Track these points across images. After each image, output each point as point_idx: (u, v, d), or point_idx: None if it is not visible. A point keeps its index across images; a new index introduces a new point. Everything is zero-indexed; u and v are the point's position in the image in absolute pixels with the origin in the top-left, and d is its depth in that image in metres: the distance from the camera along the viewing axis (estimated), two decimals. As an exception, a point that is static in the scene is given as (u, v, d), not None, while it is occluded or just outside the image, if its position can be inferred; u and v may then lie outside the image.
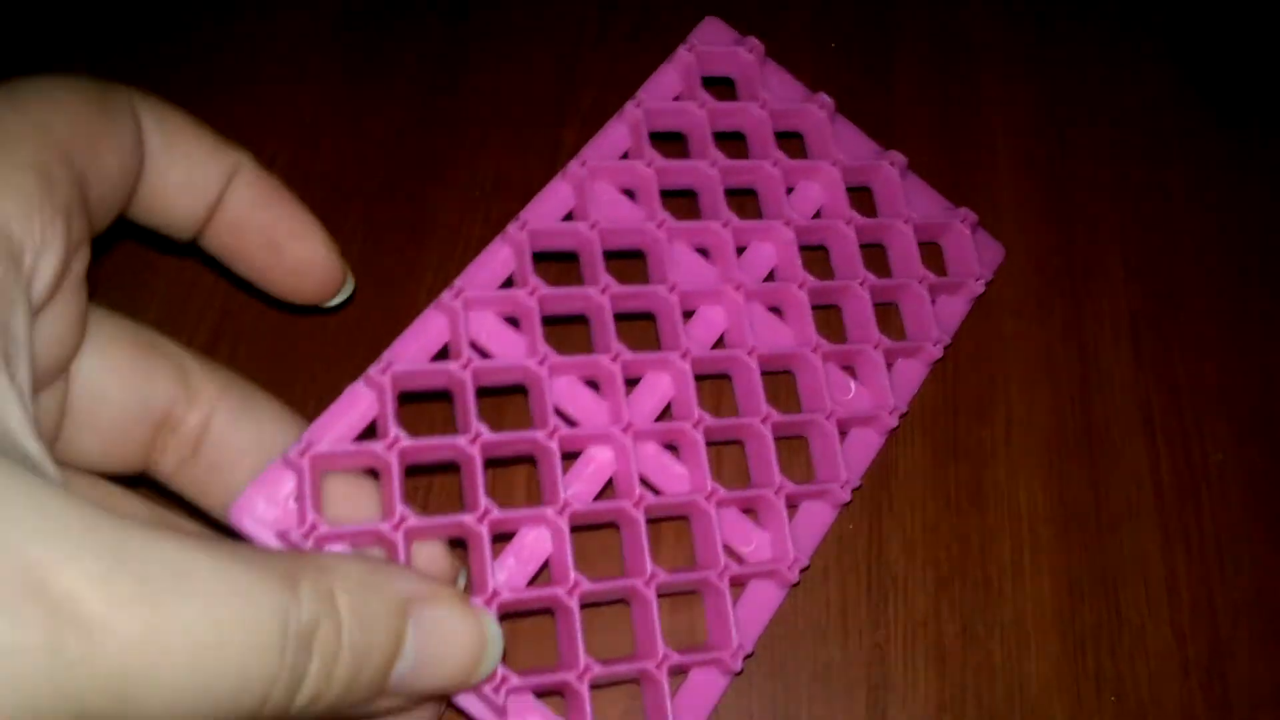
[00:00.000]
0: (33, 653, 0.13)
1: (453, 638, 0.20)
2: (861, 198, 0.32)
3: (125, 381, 0.22)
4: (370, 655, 0.18)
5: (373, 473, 0.24)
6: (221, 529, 0.24)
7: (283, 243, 0.25)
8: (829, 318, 0.31)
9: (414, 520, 0.23)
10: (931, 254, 0.32)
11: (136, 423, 0.22)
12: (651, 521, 0.27)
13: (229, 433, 0.23)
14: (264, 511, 0.23)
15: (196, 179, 0.23)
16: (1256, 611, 0.28)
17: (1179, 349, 0.32)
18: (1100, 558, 0.29)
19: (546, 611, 0.25)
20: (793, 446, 0.29)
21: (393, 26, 0.35)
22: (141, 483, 0.24)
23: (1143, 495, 0.30)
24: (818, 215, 0.31)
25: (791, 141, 0.32)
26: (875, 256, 0.31)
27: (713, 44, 0.31)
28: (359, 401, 0.25)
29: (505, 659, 0.26)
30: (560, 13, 0.36)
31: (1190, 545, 0.29)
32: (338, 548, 0.23)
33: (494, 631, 0.21)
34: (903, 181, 0.31)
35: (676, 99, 0.30)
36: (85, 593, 0.14)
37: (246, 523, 0.23)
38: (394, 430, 0.24)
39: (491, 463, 0.27)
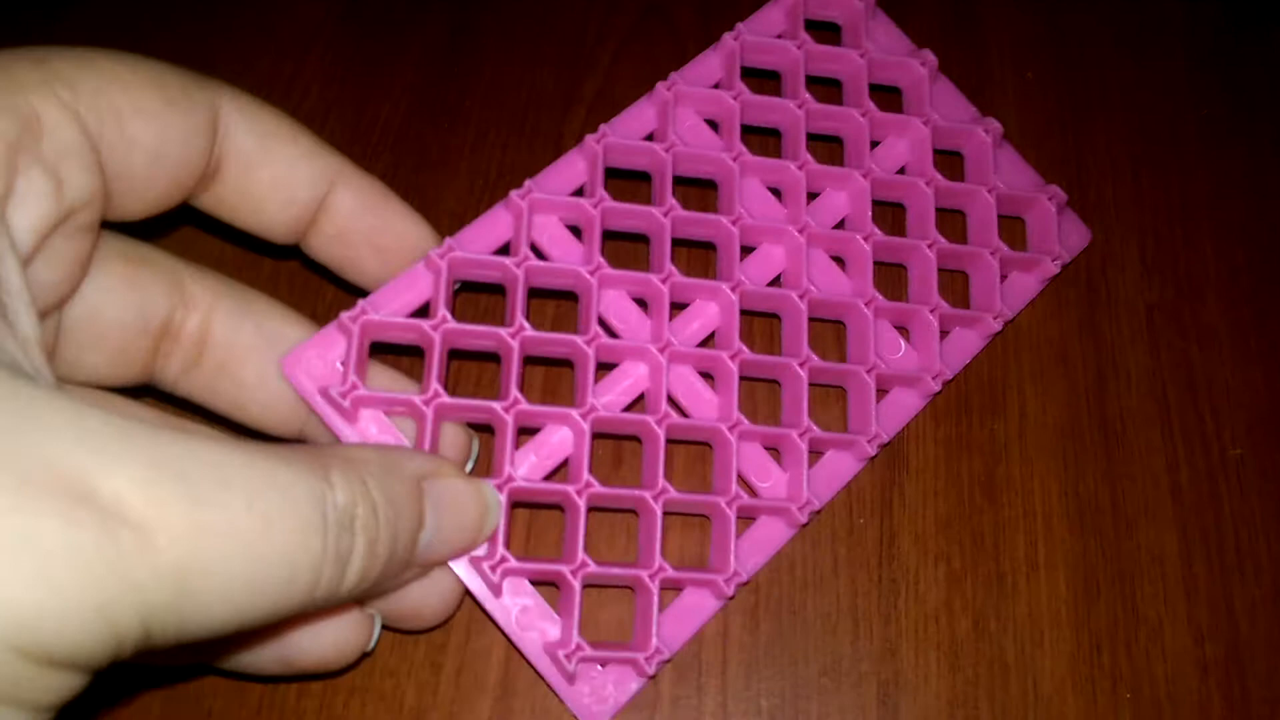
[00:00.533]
0: (92, 550, 0.14)
1: (461, 505, 0.22)
2: (954, 163, 0.31)
3: (121, 298, 0.22)
4: (402, 531, 0.20)
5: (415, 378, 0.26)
6: (230, 428, 0.25)
7: (392, 247, 0.25)
8: (896, 276, 0.30)
9: (446, 398, 0.24)
10: (1017, 229, 0.31)
11: (136, 336, 0.23)
12: (676, 443, 0.28)
13: (231, 333, 0.24)
14: (312, 366, 0.25)
15: (290, 180, 0.24)
16: (1276, 609, 0.28)
17: (1197, 343, 0.31)
18: (1116, 554, 0.28)
19: (558, 508, 0.26)
20: (835, 397, 0.29)
21: (396, 14, 0.35)
22: (146, 392, 0.24)
23: (1160, 491, 0.29)
24: (902, 172, 0.30)
25: (891, 96, 0.31)
26: (958, 223, 0.31)
27: (821, -14, 0.31)
28: (417, 283, 0.26)
29: (512, 548, 0.27)
30: (565, 2, 0.35)
31: (1209, 542, 0.28)
32: (371, 412, 0.25)
33: (492, 495, 0.23)
34: (996, 151, 0.30)
35: (779, 38, 0.30)
36: (130, 496, 0.15)
37: (296, 375, 0.24)
38: (443, 311, 0.25)
39: (534, 362, 0.28)
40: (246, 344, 0.24)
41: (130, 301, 0.22)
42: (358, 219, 0.25)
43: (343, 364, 0.25)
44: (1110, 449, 0.29)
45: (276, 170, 0.24)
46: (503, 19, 0.35)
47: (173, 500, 0.15)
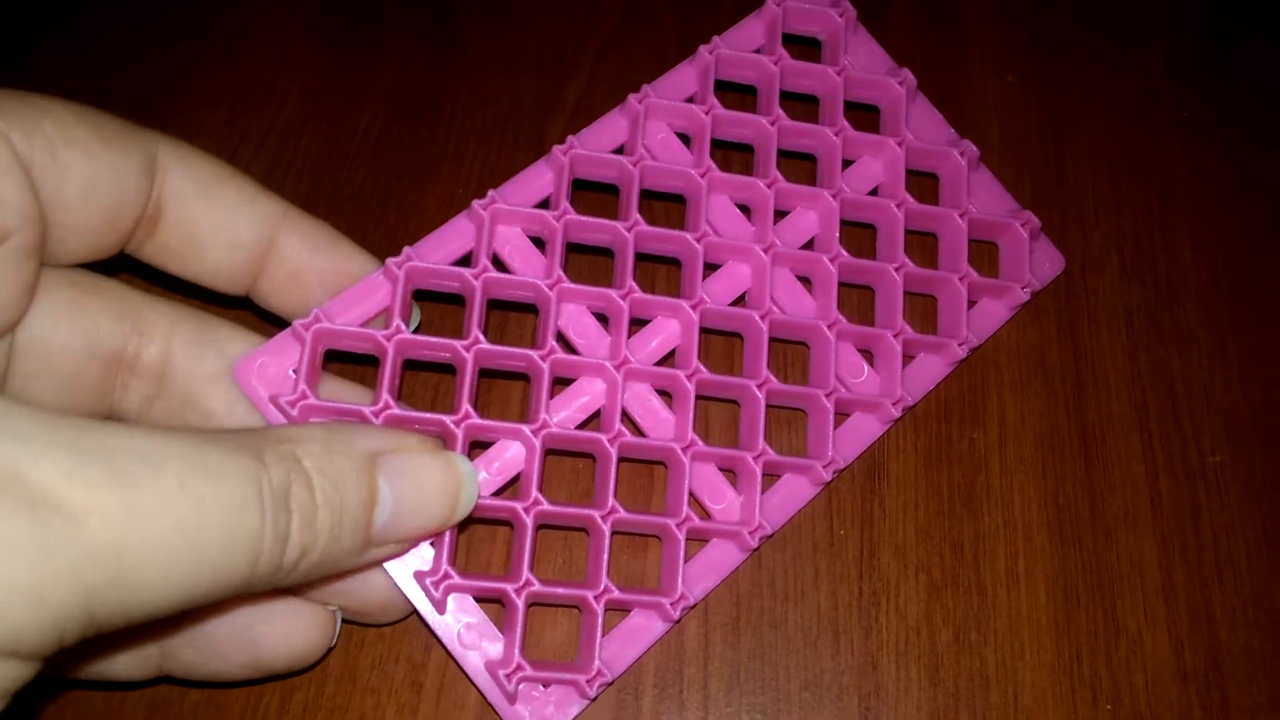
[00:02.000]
0: (23, 536, 0.14)
1: (426, 481, 0.21)
2: (930, 184, 0.31)
3: (67, 324, 0.22)
4: (347, 507, 0.19)
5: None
6: None
7: (343, 284, 0.25)
8: (864, 298, 0.30)
9: (396, 410, 0.24)
10: (991, 253, 0.31)
11: (84, 364, 0.23)
12: (629, 461, 0.28)
13: (192, 360, 0.24)
14: (265, 372, 0.24)
15: (232, 224, 0.24)
16: (1255, 617, 0.27)
17: (1176, 349, 0.31)
18: (1096, 563, 0.28)
19: (508, 524, 0.26)
20: (796, 419, 0.29)
21: (377, 19, 0.35)
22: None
23: (1139, 499, 0.29)
24: (874, 193, 0.30)
25: (870, 114, 0.31)
26: (930, 246, 0.31)
27: (804, 1, 0.30)
28: (375, 291, 0.26)
29: (464, 565, 0.27)
30: (546, 7, 0.35)
31: (1188, 550, 0.28)
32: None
33: (466, 469, 0.22)
34: (972, 173, 0.30)
35: (758, 52, 0.30)
36: (58, 483, 0.15)
37: (248, 381, 0.24)
38: (396, 321, 0.25)
39: (507, 376, 0.28)
40: (209, 372, 0.24)
41: (76, 327, 0.23)
42: (308, 260, 0.25)
43: (295, 372, 0.24)
44: (1089, 457, 0.29)
45: (217, 214, 0.23)
46: (483, 25, 0.34)
47: (102, 483, 0.15)
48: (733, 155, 0.31)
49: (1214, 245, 0.32)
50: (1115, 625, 0.27)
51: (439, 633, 0.24)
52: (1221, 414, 0.30)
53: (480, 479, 0.26)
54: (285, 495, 0.18)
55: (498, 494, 0.26)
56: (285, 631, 0.23)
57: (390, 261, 0.25)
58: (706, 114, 0.28)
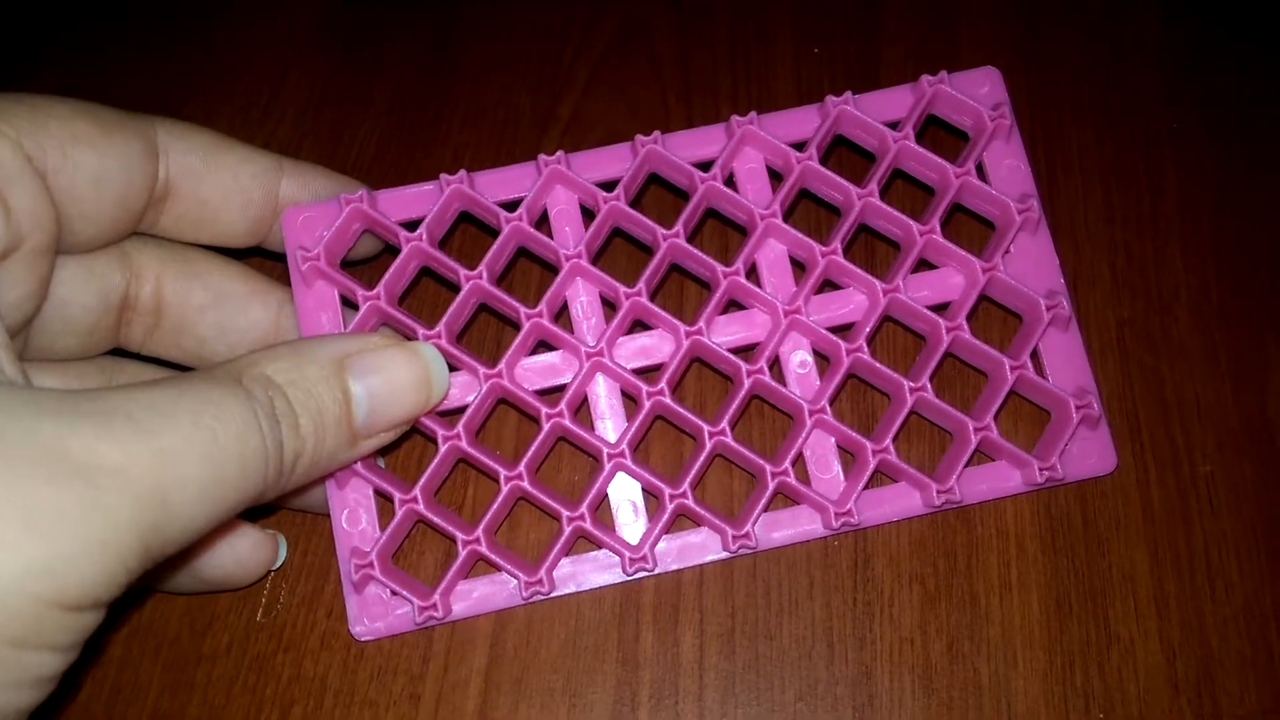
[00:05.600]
0: (80, 503, 0.16)
1: (395, 372, 0.23)
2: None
3: (83, 286, 0.24)
4: (324, 410, 0.22)
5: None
6: None
7: None
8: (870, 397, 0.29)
9: (383, 303, 0.26)
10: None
11: (103, 315, 0.25)
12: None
13: (181, 295, 0.26)
14: (310, 223, 0.27)
15: (240, 182, 0.25)
16: (1246, 626, 0.27)
17: (1167, 360, 0.30)
18: (1088, 572, 0.28)
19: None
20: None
21: (375, 35, 0.35)
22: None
23: (1130, 508, 0.28)
24: (943, 307, 0.28)
25: (986, 226, 0.29)
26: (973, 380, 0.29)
27: (962, 90, 0.28)
28: (421, 198, 0.28)
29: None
30: (542, 23, 0.35)
31: (1179, 559, 0.28)
32: (324, 297, 0.27)
33: (430, 354, 0.24)
34: (1054, 330, 0.27)
35: (892, 125, 0.28)
36: (97, 447, 0.17)
37: (291, 225, 0.27)
38: (421, 229, 0.27)
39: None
40: (198, 303, 0.26)
41: (91, 288, 0.25)
42: (306, 196, 0.27)
43: (327, 232, 0.27)
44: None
45: (225, 176, 0.25)
46: (480, 41, 0.35)
47: (131, 439, 0.17)
48: (831, 215, 0.30)
49: (1205, 256, 0.31)
50: (1108, 634, 0.27)
51: (332, 501, 0.26)
52: (1213, 424, 0.29)
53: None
54: (271, 410, 0.20)
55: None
56: (221, 553, 0.25)
57: (444, 177, 0.27)
58: (798, 161, 0.27)
